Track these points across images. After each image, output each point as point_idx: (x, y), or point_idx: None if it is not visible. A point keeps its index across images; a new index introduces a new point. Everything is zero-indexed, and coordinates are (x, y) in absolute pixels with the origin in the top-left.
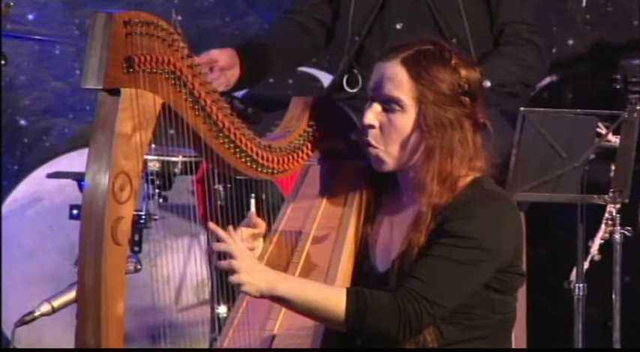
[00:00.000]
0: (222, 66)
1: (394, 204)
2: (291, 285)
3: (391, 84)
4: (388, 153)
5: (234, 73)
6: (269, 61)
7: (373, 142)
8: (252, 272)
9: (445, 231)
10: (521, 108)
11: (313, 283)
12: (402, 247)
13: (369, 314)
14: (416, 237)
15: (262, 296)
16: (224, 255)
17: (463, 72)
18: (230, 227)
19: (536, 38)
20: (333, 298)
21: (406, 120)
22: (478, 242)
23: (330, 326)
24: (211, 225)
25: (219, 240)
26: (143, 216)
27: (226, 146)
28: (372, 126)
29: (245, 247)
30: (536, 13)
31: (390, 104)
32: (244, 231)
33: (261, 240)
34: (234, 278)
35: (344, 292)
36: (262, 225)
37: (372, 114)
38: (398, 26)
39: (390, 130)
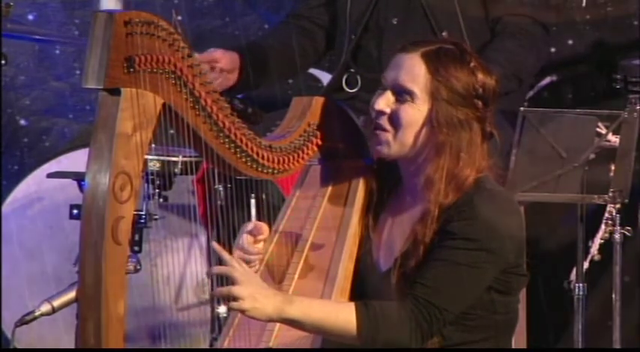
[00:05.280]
0: (222, 67)
1: (396, 204)
2: (300, 307)
3: (407, 75)
4: (397, 138)
5: (232, 76)
6: (271, 67)
7: (384, 126)
8: (258, 296)
9: (448, 233)
10: (521, 108)
11: (321, 301)
12: (404, 246)
13: (382, 326)
14: (421, 233)
15: (271, 320)
16: (226, 280)
17: (480, 76)
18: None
19: (534, 29)
20: (343, 314)
21: (416, 114)
22: (482, 243)
23: (344, 341)
24: (216, 246)
25: (221, 263)
26: (143, 216)
27: (227, 146)
28: (382, 113)
29: (249, 271)
30: (534, 5)
31: (402, 95)
32: (247, 238)
33: (261, 244)
34: (235, 305)
35: (353, 307)
36: (265, 230)
37: (384, 101)
38: (394, 21)
39: (400, 119)
